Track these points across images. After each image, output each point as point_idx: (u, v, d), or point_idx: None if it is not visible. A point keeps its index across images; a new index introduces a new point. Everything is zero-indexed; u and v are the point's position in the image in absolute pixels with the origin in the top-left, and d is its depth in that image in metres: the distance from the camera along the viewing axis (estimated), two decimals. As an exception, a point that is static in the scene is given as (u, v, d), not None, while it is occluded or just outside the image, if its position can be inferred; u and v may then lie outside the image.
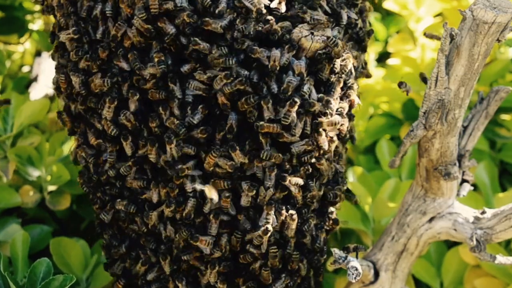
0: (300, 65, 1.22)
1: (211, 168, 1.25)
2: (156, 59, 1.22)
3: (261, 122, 1.21)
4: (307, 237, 1.33)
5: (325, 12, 1.27)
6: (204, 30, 1.21)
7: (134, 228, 1.35)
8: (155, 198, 1.29)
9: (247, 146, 1.24)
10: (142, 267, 1.37)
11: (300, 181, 1.26)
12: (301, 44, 1.23)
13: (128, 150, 1.28)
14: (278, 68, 1.21)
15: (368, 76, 1.45)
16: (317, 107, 1.23)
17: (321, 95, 1.25)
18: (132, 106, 1.26)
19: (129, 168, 1.30)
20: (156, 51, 1.23)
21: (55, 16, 1.35)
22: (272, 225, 1.26)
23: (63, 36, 1.29)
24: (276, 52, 1.21)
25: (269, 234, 1.26)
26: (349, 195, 1.49)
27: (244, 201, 1.26)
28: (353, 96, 1.31)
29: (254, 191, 1.25)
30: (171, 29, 1.22)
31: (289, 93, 1.21)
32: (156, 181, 1.29)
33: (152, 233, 1.34)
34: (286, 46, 1.21)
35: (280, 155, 1.24)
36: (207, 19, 1.20)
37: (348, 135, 1.39)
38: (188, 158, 1.26)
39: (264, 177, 1.25)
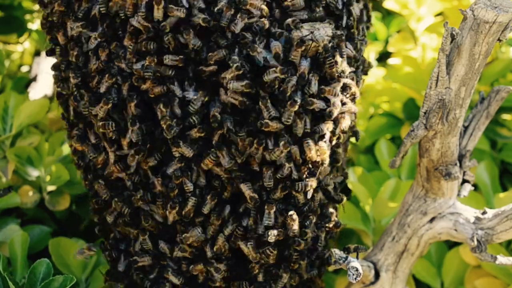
0: (304, 66, 1.21)
1: (209, 168, 1.25)
2: (147, 62, 1.21)
3: (265, 120, 1.21)
4: (307, 237, 1.32)
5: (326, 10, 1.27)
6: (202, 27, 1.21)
7: (131, 228, 1.35)
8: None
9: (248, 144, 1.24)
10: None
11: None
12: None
13: (126, 144, 1.28)
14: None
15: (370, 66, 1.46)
16: (317, 105, 1.23)
17: (322, 92, 1.25)
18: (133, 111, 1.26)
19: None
20: (151, 54, 1.22)
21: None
22: (273, 224, 1.25)
23: (76, 29, 1.27)
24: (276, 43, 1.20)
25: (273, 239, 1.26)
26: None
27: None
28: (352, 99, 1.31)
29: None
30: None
31: (288, 94, 1.20)
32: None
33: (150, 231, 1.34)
34: (295, 43, 1.20)
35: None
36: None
37: (350, 132, 1.39)
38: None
39: (264, 176, 1.25)
